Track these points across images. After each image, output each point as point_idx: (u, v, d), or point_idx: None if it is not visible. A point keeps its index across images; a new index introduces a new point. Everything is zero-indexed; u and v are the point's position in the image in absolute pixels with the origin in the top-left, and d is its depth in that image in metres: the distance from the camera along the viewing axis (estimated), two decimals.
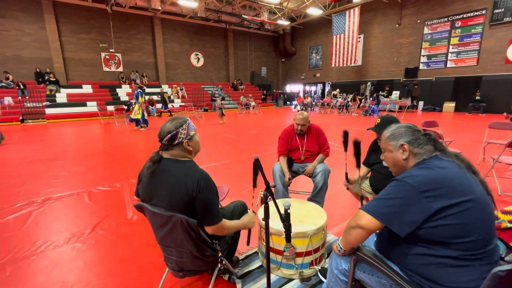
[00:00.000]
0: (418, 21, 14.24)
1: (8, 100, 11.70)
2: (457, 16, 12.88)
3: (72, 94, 13.70)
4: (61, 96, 13.33)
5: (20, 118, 11.18)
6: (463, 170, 0.99)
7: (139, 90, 8.75)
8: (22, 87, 12.39)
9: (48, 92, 13.03)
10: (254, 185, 1.59)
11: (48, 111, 12.11)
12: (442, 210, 0.89)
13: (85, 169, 4.37)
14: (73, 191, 3.40)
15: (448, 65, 13.49)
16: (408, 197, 0.93)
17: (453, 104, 13.40)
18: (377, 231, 1.14)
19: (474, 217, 0.89)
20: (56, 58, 13.90)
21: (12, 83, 12.58)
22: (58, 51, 13.92)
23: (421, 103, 14.60)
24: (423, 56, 14.33)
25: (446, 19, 13.25)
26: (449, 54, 13.38)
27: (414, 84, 13.93)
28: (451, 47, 13.29)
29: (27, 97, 12.10)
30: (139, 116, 8.75)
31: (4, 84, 12.42)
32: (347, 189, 2.28)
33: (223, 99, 15.10)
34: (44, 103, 12.15)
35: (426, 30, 14.03)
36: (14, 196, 3.22)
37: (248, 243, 1.77)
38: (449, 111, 13.46)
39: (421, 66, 14.50)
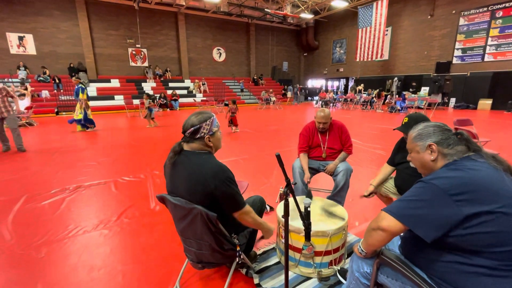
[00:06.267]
0: (453, 11, 13.25)
1: (45, 93, 12.61)
2: (498, 6, 11.81)
3: (101, 88, 14.43)
4: (91, 89, 14.08)
5: (55, 110, 11.98)
6: (500, 173, 0.90)
7: (79, 85, 7.30)
8: (57, 81, 13.27)
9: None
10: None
11: None
12: (474, 216, 0.82)
13: (112, 159, 4.60)
14: (101, 180, 3.59)
15: (486, 59, 12.46)
16: (435, 199, 0.87)
17: (489, 102, 12.40)
18: (402, 234, 1.08)
19: None
20: (87, 54, 14.68)
21: (48, 78, 13.50)
22: (89, 47, 14.69)
23: (452, 100, 13.66)
24: (457, 49, 13.35)
25: (485, 8, 12.21)
26: (488, 47, 12.35)
27: (446, 79, 13.04)
28: (490, 39, 12.25)
29: (61, 90, 12.92)
30: (81, 116, 7.37)
31: (41, 78, 13.36)
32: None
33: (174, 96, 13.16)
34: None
35: (461, 21, 13.03)
36: (49, 183, 3.47)
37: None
38: (484, 109, 12.48)
39: (455, 60, 13.53)
